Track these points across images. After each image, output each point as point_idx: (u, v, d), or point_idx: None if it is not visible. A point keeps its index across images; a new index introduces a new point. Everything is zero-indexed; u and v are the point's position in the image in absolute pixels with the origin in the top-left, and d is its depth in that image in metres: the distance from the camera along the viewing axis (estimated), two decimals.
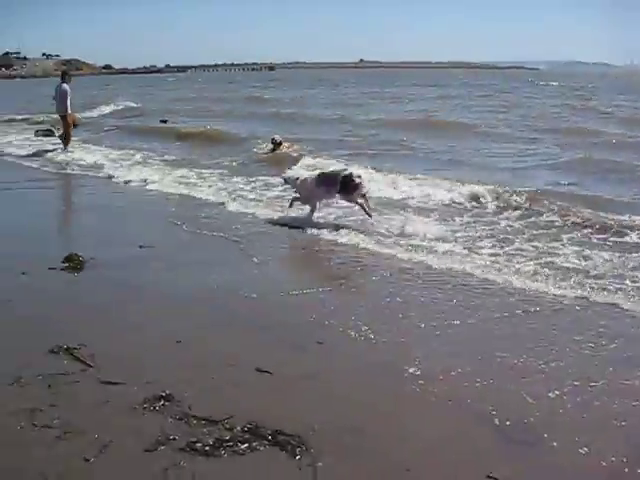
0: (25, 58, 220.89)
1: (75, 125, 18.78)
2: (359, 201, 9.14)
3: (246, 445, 3.80)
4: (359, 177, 9.09)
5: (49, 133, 22.49)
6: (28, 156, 17.42)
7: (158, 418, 4.09)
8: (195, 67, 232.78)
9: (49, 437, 3.87)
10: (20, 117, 30.61)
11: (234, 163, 15.59)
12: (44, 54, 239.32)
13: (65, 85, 17.88)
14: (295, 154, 15.99)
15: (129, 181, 13.06)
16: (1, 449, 3.75)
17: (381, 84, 63.27)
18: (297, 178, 9.68)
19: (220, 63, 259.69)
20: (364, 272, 7.18)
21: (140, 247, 7.95)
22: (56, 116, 19.03)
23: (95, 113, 33.24)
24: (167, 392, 4.35)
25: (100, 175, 14.07)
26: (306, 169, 10.56)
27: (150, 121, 27.15)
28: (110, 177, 13.58)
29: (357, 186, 9.02)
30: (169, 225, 9.20)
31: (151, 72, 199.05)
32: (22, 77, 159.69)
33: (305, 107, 33.71)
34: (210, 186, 12.31)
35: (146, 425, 4.01)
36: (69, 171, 14.78)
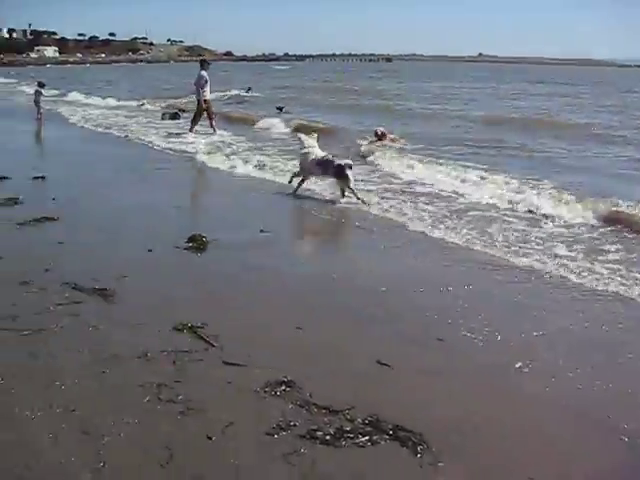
0: (151, 44, 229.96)
1: (208, 112, 19.12)
2: (351, 186, 10.14)
3: (367, 438, 3.73)
4: (350, 168, 10.18)
5: (175, 116, 23.26)
6: (158, 138, 17.92)
7: (279, 403, 4.09)
8: (313, 56, 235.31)
9: (174, 412, 3.94)
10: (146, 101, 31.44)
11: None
12: (169, 40, 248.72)
13: (203, 72, 18.58)
14: (398, 146, 16.37)
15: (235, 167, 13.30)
16: (130, 420, 3.83)
17: (498, 79, 61.82)
18: (306, 152, 10.76)
19: (338, 53, 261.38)
20: (491, 276, 6.90)
21: (261, 231, 8.02)
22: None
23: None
24: (288, 378, 4.34)
25: (223, 161, 14.26)
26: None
27: (267, 108, 27.39)
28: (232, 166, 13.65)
29: (346, 176, 10.12)
30: (292, 211, 9.27)
31: (269, 60, 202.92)
32: (148, 61, 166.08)
33: (416, 100, 33.31)
34: None
35: (267, 409, 4.02)
36: (194, 155, 15.03)
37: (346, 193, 10.25)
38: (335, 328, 5.34)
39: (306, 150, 10.79)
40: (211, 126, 19.01)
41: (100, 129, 20.15)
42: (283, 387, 4.27)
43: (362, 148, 16.08)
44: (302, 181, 10.84)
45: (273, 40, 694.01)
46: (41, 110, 22.54)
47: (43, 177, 11.23)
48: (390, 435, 3.76)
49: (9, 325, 5.07)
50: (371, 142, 16.84)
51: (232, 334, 5.07)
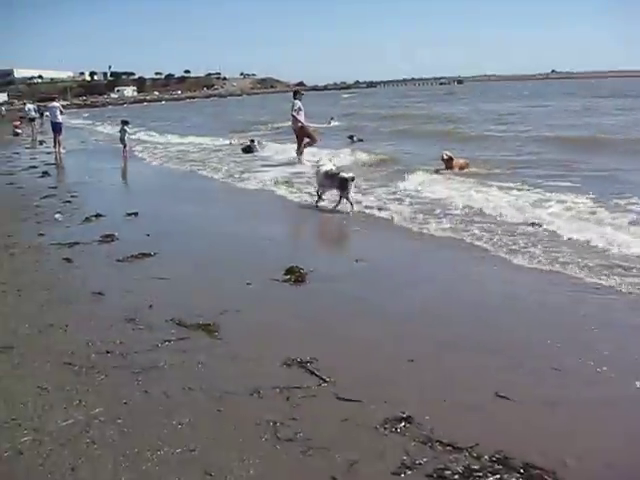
0: (225, 78, 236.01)
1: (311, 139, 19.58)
2: (349, 196, 11.51)
3: (497, 477, 3.55)
4: (352, 180, 11.56)
5: (249, 149, 23.55)
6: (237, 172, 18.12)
7: (401, 440, 3.94)
8: (384, 82, 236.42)
9: (295, 451, 3.84)
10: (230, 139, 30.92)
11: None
12: (241, 73, 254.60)
13: (297, 102, 19.11)
14: (483, 172, 15.70)
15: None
16: (252, 460, 3.76)
17: (572, 94, 60.32)
18: (318, 167, 12.39)
19: (408, 78, 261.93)
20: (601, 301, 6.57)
21: (356, 261, 7.92)
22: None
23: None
24: (406, 413, 4.20)
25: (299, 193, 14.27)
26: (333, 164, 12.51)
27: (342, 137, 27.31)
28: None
29: (347, 186, 11.48)
30: (381, 240, 9.15)
31: (341, 88, 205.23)
32: (221, 96, 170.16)
33: (485, 122, 32.47)
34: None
35: (389, 447, 3.87)
36: (273, 187, 15.09)
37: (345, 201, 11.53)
38: (447, 359, 5.15)
39: (318, 166, 12.47)
40: (298, 153, 19.46)
41: (181, 166, 20.41)
42: (403, 423, 4.12)
43: (421, 177, 14.56)
44: (320, 194, 12.25)
45: (344, 68, 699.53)
46: (126, 147, 23.18)
47: (136, 213, 11.47)
48: (521, 474, 3.57)
49: (120, 362, 5.10)
50: (437, 170, 15.87)
51: (342, 368, 4.95)
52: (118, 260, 8.20)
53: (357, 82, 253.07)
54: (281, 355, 5.15)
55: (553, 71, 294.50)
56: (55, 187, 15.89)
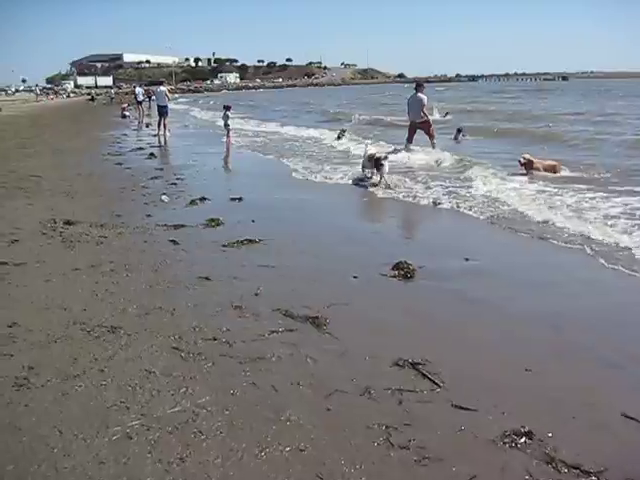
0: (325, 67, 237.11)
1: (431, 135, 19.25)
2: (384, 175, 13.57)
3: None
4: (385, 159, 13.67)
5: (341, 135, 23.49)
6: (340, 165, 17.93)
7: (521, 457, 3.67)
8: (485, 76, 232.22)
9: (408, 460, 3.62)
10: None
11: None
12: (342, 63, 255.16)
13: (420, 95, 18.65)
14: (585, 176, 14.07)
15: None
16: (364, 465, 3.56)
17: None
18: (364, 152, 14.75)
19: (511, 72, 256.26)
20: None
21: (466, 260, 7.60)
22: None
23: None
24: (527, 428, 3.90)
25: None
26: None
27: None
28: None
29: (381, 165, 13.52)
30: (494, 238, 8.77)
31: (442, 81, 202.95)
32: (322, 85, 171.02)
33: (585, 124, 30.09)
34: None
35: (509, 463, 3.61)
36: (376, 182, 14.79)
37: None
38: (567, 371, 4.80)
39: (364, 151, 14.87)
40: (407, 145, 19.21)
41: (278, 155, 20.10)
42: (523, 438, 3.83)
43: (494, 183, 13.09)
44: (367, 173, 14.40)
45: (445, 61, 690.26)
46: (230, 133, 23.41)
47: (240, 199, 11.47)
48: None
49: (227, 351, 5.00)
50: (525, 172, 14.52)
51: (456, 373, 4.69)
52: (224, 245, 8.15)
53: (458, 75, 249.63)
54: (392, 354, 4.94)
55: None
56: (161, 169, 16.18)
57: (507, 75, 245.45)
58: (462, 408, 4.19)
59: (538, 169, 14.58)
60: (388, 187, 13.14)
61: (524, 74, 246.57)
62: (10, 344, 5.09)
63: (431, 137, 19.14)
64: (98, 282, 6.69)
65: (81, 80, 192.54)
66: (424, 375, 4.63)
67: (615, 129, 25.92)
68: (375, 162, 13.66)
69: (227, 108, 24.01)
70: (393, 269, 7.10)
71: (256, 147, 22.80)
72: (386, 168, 13.57)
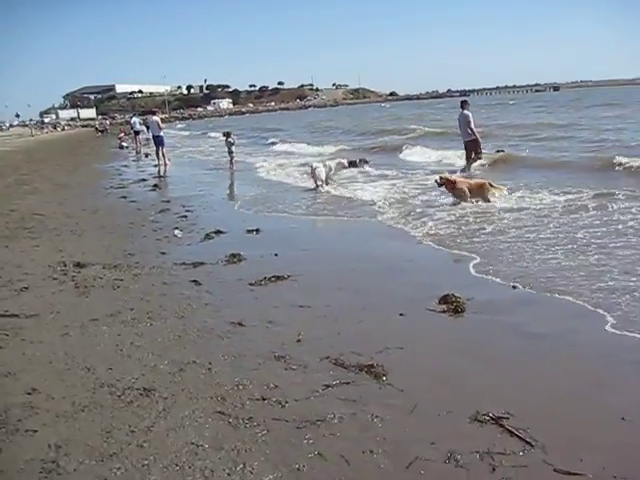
0: (317, 89, 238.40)
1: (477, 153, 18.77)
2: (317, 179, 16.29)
3: None
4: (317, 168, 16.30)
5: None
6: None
7: None
8: (476, 90, 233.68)
9: None
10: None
11: None
12: (334, 84, 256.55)
13: (466, 112, 18.38)
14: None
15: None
16: None
17: None
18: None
19: (502, 86, 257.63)
20: None
21: (513, 288, 7.01)
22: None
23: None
24: None
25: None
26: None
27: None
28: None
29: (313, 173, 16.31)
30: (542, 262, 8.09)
31: (434, 97, 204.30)
32: (315, 106, 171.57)
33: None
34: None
35: None
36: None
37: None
38: None
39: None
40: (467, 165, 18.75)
41: (287, 178, 19.82)
42: None
43: None
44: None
45: (435, 78, 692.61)
46: (233, 159, 22.90)
47: (257, 230, 10.87)
48: None
49: (280, 413, 4.39)
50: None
51: (545, 427, 4.09)
52: (251, 284, 7.55)
53: (449, 90, 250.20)
54: (467, 407, 4.33)
55: None
56: (168, 201, 15.54)
57: (498, 88, 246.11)
58: (569, 473, 3.58)
59: (462, 190, 12.64)
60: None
61: (515, 87, 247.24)
62: (32, 416, 4.45)
63: (471, 159, 18.68)
64: (120, 334, 6.06)
65: (63, 114, 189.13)
66: (511, 432, 4.02)
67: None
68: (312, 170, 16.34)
69: (228, 135, 23.51)
70: (440, 303, 6.51)
71: (267, 170, 22.40)
72: (322, 175, 16.27)
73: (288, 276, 7.77)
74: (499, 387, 4.73)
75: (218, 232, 10.84)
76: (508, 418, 4.18)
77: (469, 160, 18.73)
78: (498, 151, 21.33)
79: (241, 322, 6.22)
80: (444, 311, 6.33)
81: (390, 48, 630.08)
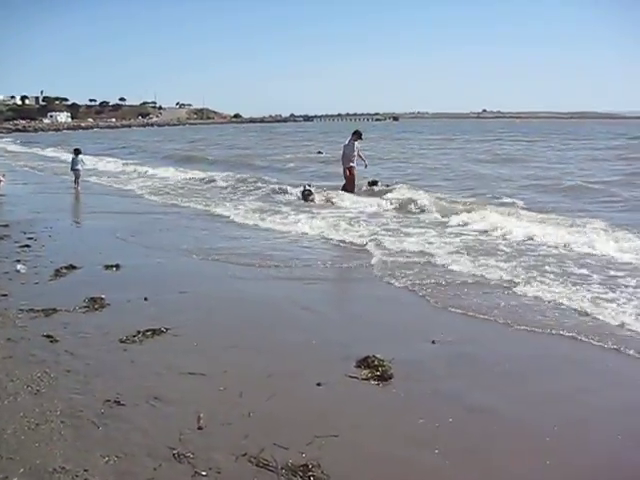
0: (160, 107, 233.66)
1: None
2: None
3: None
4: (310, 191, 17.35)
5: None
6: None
7: None
8: (319, 116, 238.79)
9: None
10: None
11: None
12: (177, 103, 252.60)
13: (356, 143, 18.35)
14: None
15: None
16: None
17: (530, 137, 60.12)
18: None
19: (343, 113, 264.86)
20: None
21: (433, 342, 6.12)
22: None
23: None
24: None
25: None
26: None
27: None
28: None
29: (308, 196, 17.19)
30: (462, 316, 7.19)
31: (277, 121, 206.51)
32: (158, 125, 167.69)
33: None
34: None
35: None
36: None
37: None
38: None
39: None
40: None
41: (142, 198, 18.30)
42: None
43: None
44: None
45: (278, 103, 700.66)
46: (79, 179, 20.87)
47: (117, 266, 9.31)
48: None
49: None
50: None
51: None
52: (122, 341, 6.13)
53: (292, 115, 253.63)
54: None
55: (484, 110, 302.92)
56: (7, 225, 13.27)
57: (340, 115, 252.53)
58: None
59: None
60: None
61: (355, 114, 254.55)
62: None
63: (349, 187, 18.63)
64: None
65: None
66: None
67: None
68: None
69: (78, 152, 21.37)
70: (360, 366, 5.48)
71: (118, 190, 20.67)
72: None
73: (166, 329, 6.43)
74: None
75: (70, 267, 9.16)
76: None
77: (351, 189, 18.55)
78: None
79: (118, 400, 4.84)
80: (367, 378, 5.29)
81: (234, 70, 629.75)
